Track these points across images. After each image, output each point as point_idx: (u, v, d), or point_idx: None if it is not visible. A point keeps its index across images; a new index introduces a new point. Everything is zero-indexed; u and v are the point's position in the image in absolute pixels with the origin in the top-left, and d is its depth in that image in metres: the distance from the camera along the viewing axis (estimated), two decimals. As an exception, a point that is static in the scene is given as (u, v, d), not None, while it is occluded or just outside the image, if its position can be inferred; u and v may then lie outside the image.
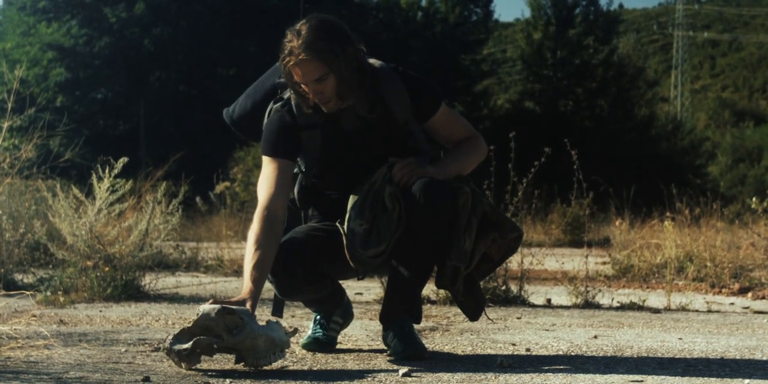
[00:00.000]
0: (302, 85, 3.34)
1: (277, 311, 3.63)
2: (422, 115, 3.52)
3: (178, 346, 3.02)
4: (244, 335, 2.99)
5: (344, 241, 3.34)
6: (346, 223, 3.36)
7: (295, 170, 3.55)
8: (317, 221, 3.57)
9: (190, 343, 3.00)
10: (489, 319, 3.76)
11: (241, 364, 3.09)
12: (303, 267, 3.37)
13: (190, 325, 3.02)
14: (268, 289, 3.45)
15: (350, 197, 3.40)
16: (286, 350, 3.13)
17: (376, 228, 3.29)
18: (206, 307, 3.03)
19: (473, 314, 3.55)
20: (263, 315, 4.68)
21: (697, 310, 5.61)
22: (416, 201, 3.29)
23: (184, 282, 7.22)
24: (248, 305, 3.12)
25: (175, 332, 3.05)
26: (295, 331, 3.23)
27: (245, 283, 3.21)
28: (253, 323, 3.03)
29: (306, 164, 3.54)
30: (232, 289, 6.51)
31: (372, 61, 3.51)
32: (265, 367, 3.07)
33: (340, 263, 3.38)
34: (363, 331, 4.33)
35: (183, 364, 3.04)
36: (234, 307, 3.03)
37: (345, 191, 3.46)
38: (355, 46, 3.36)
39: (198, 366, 3.05)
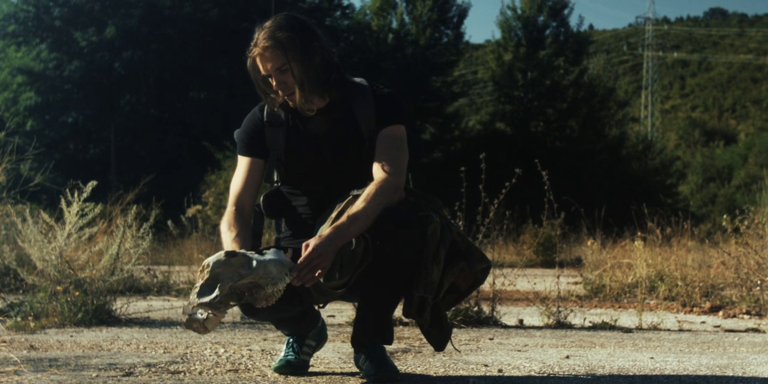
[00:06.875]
0: (270, 79, 3.43)
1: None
2: (379, 123, 3.48)
3: (205, 299, 3.06)
4: (257, 266, 3.07)
5: None
6: None
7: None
8: (288, 241, 3.56)
9: (216, 290, 3.05)
10: (456, 349, 3.73)
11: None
12: None
13: (204, 279, 3.08)
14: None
15: (318, 223, 3.39)
16: (286, 272, 3.11)
17: (338, 260, 3.24)
18: (211, 258, 3.10)
19: (438, 344, 3.49)
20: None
21: (668, 329, 5.64)
22: (384, 230, 3.23)
23: (156, 306, 7.18)
24: None
25: (196, 290, 3.09)
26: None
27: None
28: (257, 255, 3.11)
29: (272, 166, 3.58)
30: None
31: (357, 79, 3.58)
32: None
33: (302, 290, 3.29)
34: (335, 353, 4.32)
35: (212, 316, 3.07)
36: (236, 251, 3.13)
37: (310, 205, 3.49)
38: (321, 42, 3.43)
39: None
